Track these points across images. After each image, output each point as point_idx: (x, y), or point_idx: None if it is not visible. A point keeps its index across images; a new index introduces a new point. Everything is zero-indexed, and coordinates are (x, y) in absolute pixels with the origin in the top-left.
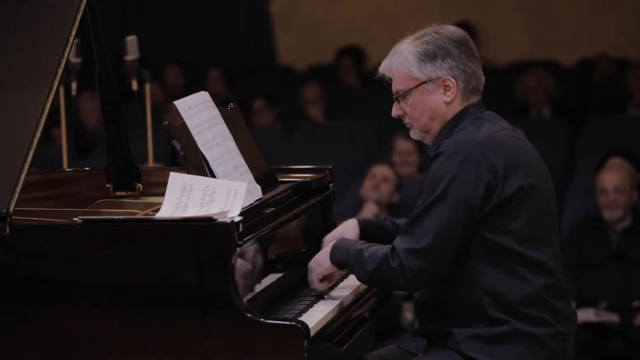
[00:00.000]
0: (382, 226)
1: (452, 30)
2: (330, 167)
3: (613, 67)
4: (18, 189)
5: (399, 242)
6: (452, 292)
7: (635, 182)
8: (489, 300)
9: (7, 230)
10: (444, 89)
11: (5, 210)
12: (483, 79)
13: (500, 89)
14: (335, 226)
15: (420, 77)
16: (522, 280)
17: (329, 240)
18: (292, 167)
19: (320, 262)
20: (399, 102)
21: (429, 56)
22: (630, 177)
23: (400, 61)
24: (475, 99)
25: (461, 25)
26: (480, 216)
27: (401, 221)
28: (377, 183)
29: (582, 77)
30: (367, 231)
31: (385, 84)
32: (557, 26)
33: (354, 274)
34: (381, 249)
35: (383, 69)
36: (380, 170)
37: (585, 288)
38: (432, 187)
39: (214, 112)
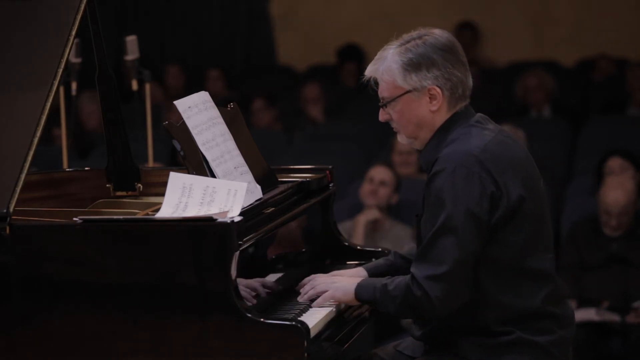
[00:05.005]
0: (392, 265)
1: (437, 35)
2: (330, 167)
3: (613, 67)
4: (18, 189)
5: (418, 271)
6: (457, 310)
7: (637, 182)
8: (492, 315)
9: (7, 230)
10: (430, 98)
11: (5, 210)
12: (470, 83)
13: (500, 89)
14: (335, 226)
15: (405, 86)
16: (524, 293)
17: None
18: (292, 167)
19: (346, 293)
20: (385, 107)
21: (413, 66)
22: (633, 191)
23: (385, 69)
24: (462, 104)
25: (461, 25)
26: (489, 229)
27: (409, 252)
28: (375, 188)
29: (582, 77)
30: (377, 276)
31: (370, 89)
32: (557, 26)
33: (381, 309)
34: (404, 279)
35: (369, 72)
36: (378, 173)
37: (586, 289)
38: (438, 208)
39: (214, 112)
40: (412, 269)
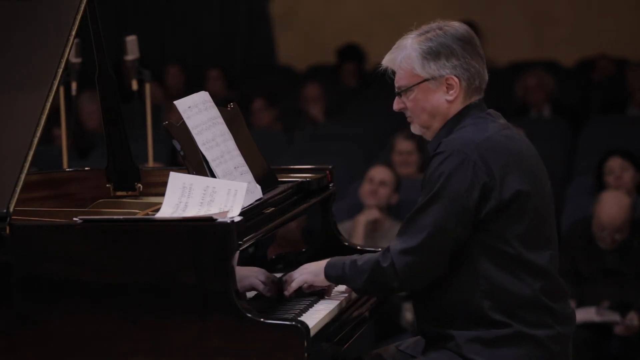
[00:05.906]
0: None
1: (457, 27)
2: (330, 167)
3: (613, 67)
4: (18, 189)
5: (394, 244)
6: (452, 295)
7: (636, 183)
8: (489, 303)
9: (7, 230)
10: (447, 88)
11: (5, 210)
12: (486, 77)
13: (500, 89)
14: (335, 226)
15: (423, 75)
16: (521, 282)
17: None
18: (292, 167)
19: (316, 273)
20: (400, 96)
21: (432, 54)
22: (629, 207)
23: (404, 57)
24: (477, 97)
25: None
26: (478, 220)
27: None
28: (375, 188)
29: (582, 77)
30: None
31: (388, 78)
32: (557, 26)
33: (349, 286)
34: (375, 254)
35: (386, 62)
36: (378, 173)
37: (582, 297)
38: (428, 187)
39: (214, 112)
40: (390, 242)
